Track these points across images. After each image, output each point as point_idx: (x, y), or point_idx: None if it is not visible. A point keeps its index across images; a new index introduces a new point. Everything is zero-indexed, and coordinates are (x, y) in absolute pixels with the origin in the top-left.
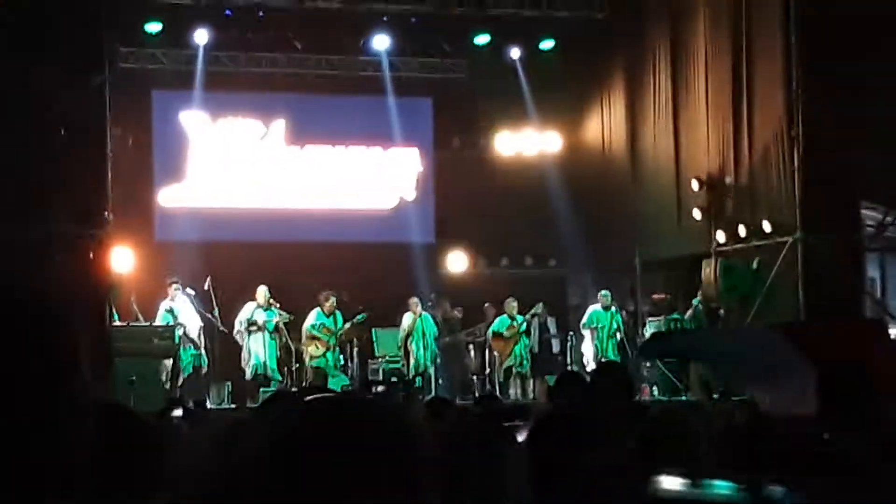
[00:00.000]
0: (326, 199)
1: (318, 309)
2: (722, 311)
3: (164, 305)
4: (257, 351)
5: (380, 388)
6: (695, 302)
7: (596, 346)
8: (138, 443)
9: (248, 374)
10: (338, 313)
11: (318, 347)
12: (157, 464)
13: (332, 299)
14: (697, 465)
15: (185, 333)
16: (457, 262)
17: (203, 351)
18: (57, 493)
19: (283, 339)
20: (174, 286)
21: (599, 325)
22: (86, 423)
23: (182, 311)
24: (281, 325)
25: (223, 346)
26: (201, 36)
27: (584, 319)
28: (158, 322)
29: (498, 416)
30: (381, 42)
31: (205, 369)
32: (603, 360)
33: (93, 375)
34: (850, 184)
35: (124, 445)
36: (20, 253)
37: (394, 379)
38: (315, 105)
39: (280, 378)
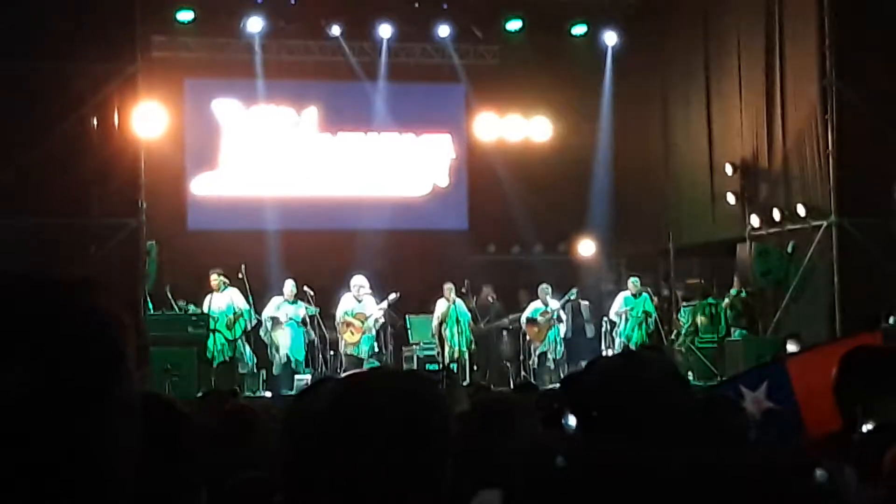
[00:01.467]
0: (359, 186)
1: (349, 294)
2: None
3: (209, 297)
4: (285, 343)
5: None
6: (733, 291)
7: (627, 332)
8: (179, 435)
9: (275, 368)
10: (369, 297)
11: (353, 333)
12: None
13: (363, 282)
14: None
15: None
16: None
17: (237, 342)
18: (111, 493)
19: (315, 331)
20: (217, 277)
21: (630, 312)
22: (135, 418)
23: (229, 300)
24: (307, 316)
25: (257, 334)
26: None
27: (616, 306)
28: (217, 313)
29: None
30: (416, 29)
31: (242, 359)
32: (631, 346)
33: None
34: (884, 167)
35: (165, 438)
36: (55, 244)
37: (432, 366)
38: (347, 92)
39: (310, 369)
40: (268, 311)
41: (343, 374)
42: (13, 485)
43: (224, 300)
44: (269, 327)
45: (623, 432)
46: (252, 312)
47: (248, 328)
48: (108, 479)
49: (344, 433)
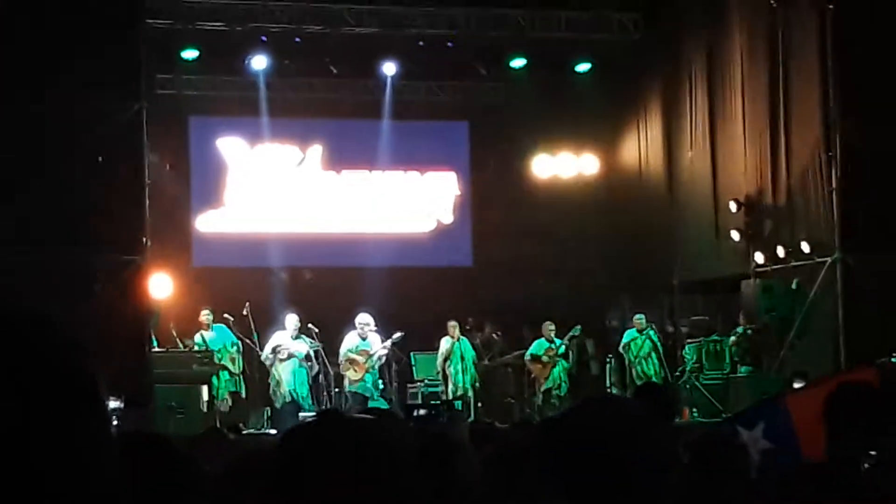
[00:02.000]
0: (364, 223)
1: (354, 332)
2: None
3: (198, 336)
4: (286, 379)
5: (421, 412)
6: (739, 329)
7: (634, 369)
8: (172, 473)
9: (278, 403)
10: (373, 334)
11: (356, 371)
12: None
13: (368, 320)
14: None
15: (217, 360)
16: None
17: (240, 377)
18: None
19: (318, 367)
20: (205, 315)
21: (634, 348)
22: (108, 456)
23: (214, 339)
24: (312, 352)
25: (262, 371)
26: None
27: (622, 342)
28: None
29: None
30: (418, 66)
31: (242, 394)
32: (637, 382)
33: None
34: (888, 203)
35: (157, 476)
36: (59, 282)
37: (435, 402)
38: (352, 130)
39: (312, 405)
40: (270, 345)
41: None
42: None
43: (217, 335)
44: (271, 361)
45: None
46: (258, 348)
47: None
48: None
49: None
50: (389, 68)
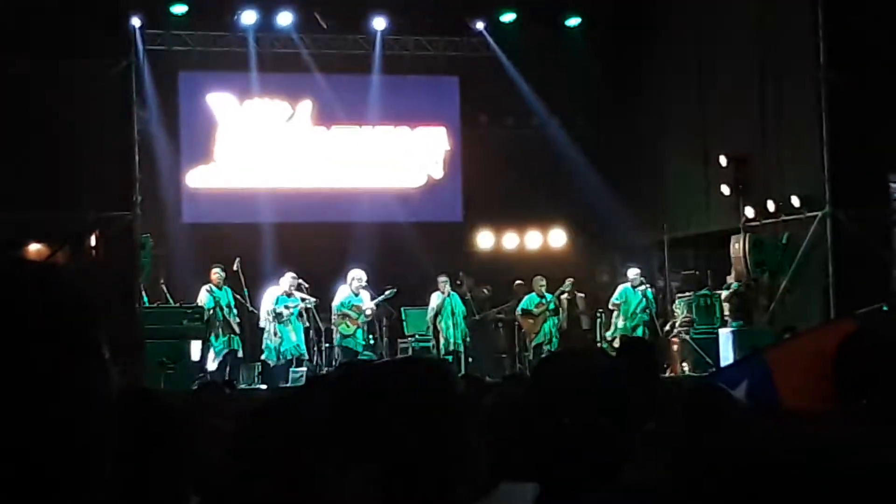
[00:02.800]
0: (354, 179)
1: (346, 287)
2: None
3: (205, 293)
4: (288, 335)
5: None
6: (734, 286)
7: (624, 324)
8: (166, 430)
9: (278, 358)
10: (364, 291)
11: (348, 326)
12: (186, 451)
13: (361, 276)
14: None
15: (224, 318)
16: (485, 240)
17: (238, 335)
18: (73, 489)
19: (310, 322)
20: (216, 273)
21: (627, 303)
22: (106, 411)
23: (224, 297)
24: (304, 309)
25: (251, 327)
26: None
27: (614, 296)
28: (202, 305)
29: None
30: (407, 21)
31: (240, 353)
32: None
33: (123, 358)
34: (878, 158)
35: (151, 433)
36: (51, 238)
37: (429, 356)
38: (341, 85)
39: (307, 362)
40: (267, 305)
41: (340, 370)
42: None
43: (223, 295)
44: (271, 320)
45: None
46: (246, 306)
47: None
48: (82, 474)
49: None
50: (379, 23)
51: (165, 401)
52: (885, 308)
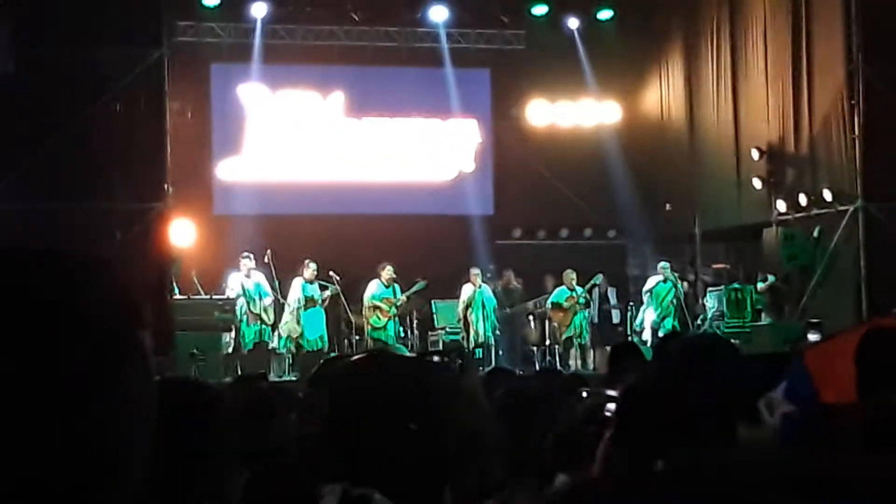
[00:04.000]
0: (385, 171)
1: (377, 280)
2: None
3: (236, 278)
4: (310, 326)
5: (435, 359)
6: (770, 279)
7: (654, 317)
8: (206, 415)
9: (304, 348)
10: (396, 284)
11: (380, 318)
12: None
13: (390, 269)
14: None
15: (249, 309)
16: (516, 233)
17: (270, 326)
18: (117, 477)
19: (339, 312)
20: (246, 260)
21: (657, 296)
22: (149, 401)
23: (254, 284)
24: (331, 297)
25: (283, 318)
26: (259, 9)
27: (644, 289)
28: (231, 294)
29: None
30: (438, 13)
31: (272, 343)
32: (659, 331)
33: (155, 349)
34: None
35: (190, 419)
36: (81, 228)
37: (450, 349)
38: (373, 77)
39: (334, 351)
40: (294, 294)
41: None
42: (11, 485)
43: (252, 283)
44: (299, 309)
45: None
46: (279, 295)
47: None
48: (118, 474)
49: (350, 418)
50: (411, 15)
51: (201, 383)
52: None
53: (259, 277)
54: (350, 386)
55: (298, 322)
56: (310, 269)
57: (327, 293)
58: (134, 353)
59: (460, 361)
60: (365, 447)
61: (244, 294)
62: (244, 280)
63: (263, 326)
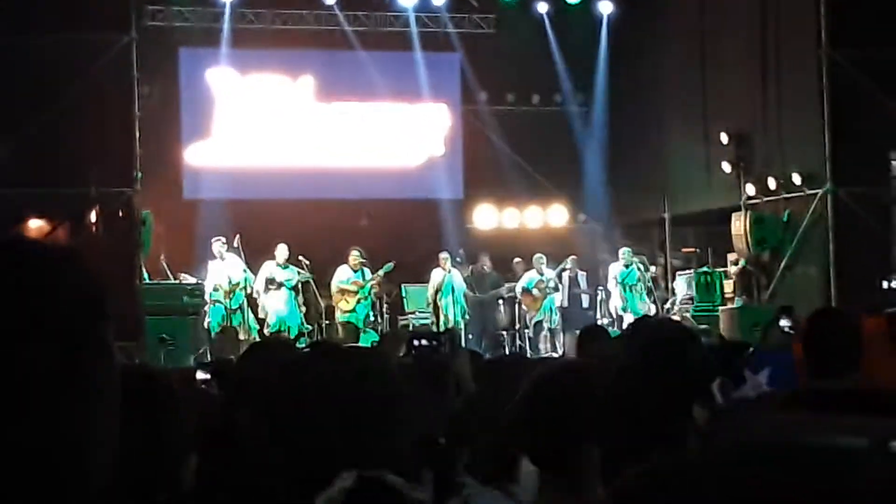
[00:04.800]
0: (355, 155)
1: (344, 265)
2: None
3: (217, 268)
4: (277, 308)
5: (423, 342)
6: (741, 262)
7: (623, 303)
8: (162, 406)
9: (268, 333)
10: (364, 268)
11: (348, 302)
12: (180, 426)
13: (356, 254)
14: None
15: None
16: (485, 217)
17: (241, 311)
18: (91, 475)
19: (309, 296)
20: (218, 244)
21: (622, 282)
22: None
23: (228, 269)
24: (301, 283)
25: (252, 304)
26: None
27: (610, 275)
28: (209, 282)
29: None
30: None
31: (239, 329)
32: (625, 316)
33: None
34: (879, 135)
35: (147, 410)
36: (52, 215)
37: (438, 332)
38: (343, 61)
39: (306, 338)
40: (262, 275)
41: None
42: None
43: (223, 269)
44: (264, 291)
45: None
46: (249, 280)
47: (246, 297)
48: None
49: (291, 410)
50: None
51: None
52: None
53: (234, 261)
54: (295, 378)
55: (270, 306)
56: (280, 252)
57: (297, 277)
58: (96, 343)
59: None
60: (309, 446)
61: (230, 282)
62: (222, 266)
63: (228, 310)
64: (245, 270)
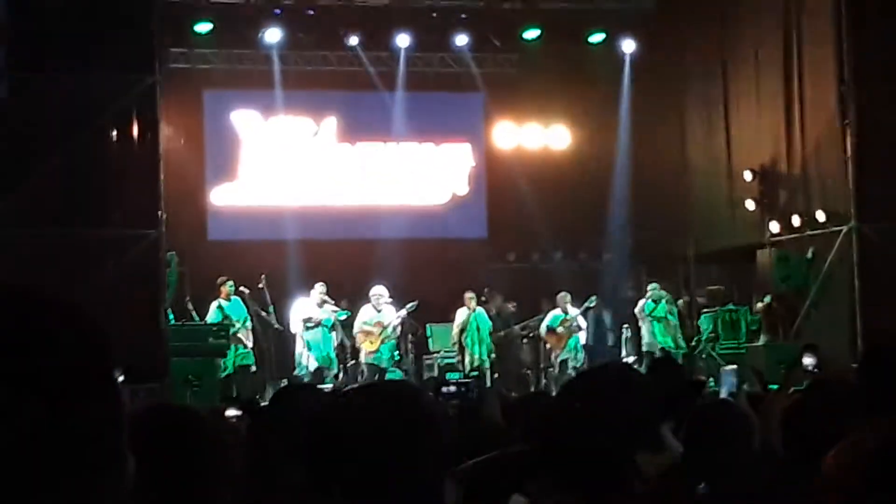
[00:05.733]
0: (378, 195)
1: (368, 304)
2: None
3: (216, 304)
4: (318, 344)
5: (451, 389)
6: (765, 299)
7: (650, 339)
8: (195, 441)
9: (310, 369)
10: (388, 306)
11: (371, 343)
12: (218, 459)
13: (377, 293)
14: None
15: (233, 333)
16: (510, 256)
17: (251, 350)
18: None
19: (340, 336)
20: (227, 285)
21: (650, 314)
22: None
23: (231, 310)
24: (336, 321)
25: (278, 344)
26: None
27: (637, 311)
28: (209, 320)
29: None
30: (431, 38)
31: (252, 368)
32: (649, 349)
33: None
34: None
35: (180, 445)
36: (74, 256)
37: (467, 379)
38: (366, 102)
39: (332, 379)
40: (301, 314)
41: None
42: None
43: (234, 307)
44: (304, 329)
45: None
46: (271, 323)
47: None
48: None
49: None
50: (403, 40)
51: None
52: None
53: (236, 302)
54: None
55: (305, 345)
56: (318, 292)
57: (333, 316)
58: (98, 388)
59: (477, 390)
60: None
61: (223, 317)
62: (223, 304)
63: (245, 350)
64: (268, 312)
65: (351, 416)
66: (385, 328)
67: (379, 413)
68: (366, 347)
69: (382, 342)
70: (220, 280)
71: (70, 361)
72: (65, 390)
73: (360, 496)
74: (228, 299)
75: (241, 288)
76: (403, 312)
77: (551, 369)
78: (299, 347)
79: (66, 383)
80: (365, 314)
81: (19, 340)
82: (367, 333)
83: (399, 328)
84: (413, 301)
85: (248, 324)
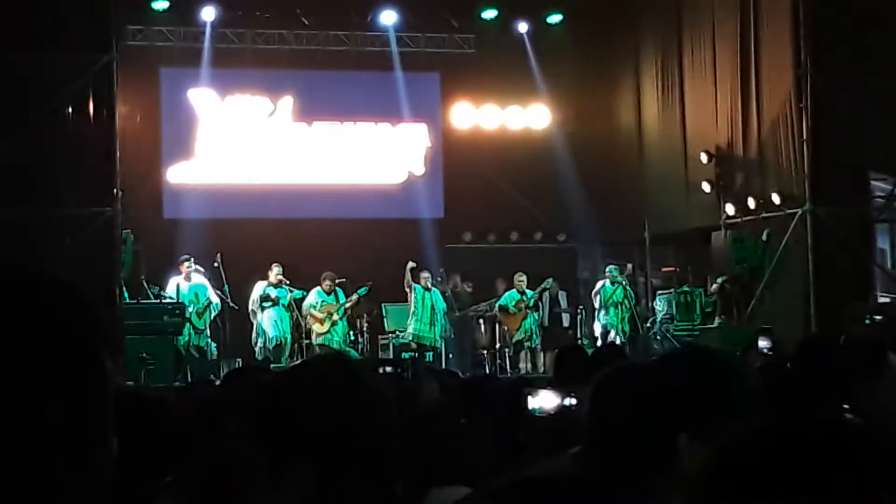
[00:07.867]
0: (335, 175)
1: (318, 288)
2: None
3: (174, 281)
4: (274, 324)
5: (388, 369)
6: (719, 280)
7: (608, 321)
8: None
9: (266, 348)
10: (338, 290)
11: (320, 325)
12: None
13: (329, 280)
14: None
15: (191, 313)
16: (466, 236)
17: (208, 330)
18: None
19: (295, 316)
20: (187, 263)
21: (608, 300)
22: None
23: (190, 290)
24: (293, 301)
25: (233, 323)
26: (208, 13)
27: (594, 292)
28: (168, 294)
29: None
30: (388, 17)
31: (208, 349)
32: (611, 334)
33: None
34: (859, 155)
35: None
36: (30, 234)
37: (404, 357)
38: (323, 81)
39: (287, 359)
40: (256, 293)
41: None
42: None
43: (193, 287)
44: (259, 309)
45: None
46: (227, 302)
47: (214, 318)
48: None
49: (269, 428)
50: (361, 19)
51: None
52: None
53: (199, 280)
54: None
55: (258, 323)
56: (274, 273)
57: (290, 296)
58: (91, 368)
59: (412, 367)
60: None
61: (178, 298)
62: (181, 282)
63: (197, 330)
64: (224, 291)
65: (292, 389)
66: (331, 313)
67: (319, 383)
68: (316, 329)
69: (333, 325)
70: (181, 258)
71: (59, 338)
72: (52, 366)
73: (311, 468)
74: (189, 279)
75: (197, 267)
76: (354, 297)
77: (507, 349)
78: (255, 327)
79: (53, 359)
80: (311, 298)
81: (9, 315)
82: (313, 317)
83: (348, 311)
84: (369, 282)
85: (206, 303)
